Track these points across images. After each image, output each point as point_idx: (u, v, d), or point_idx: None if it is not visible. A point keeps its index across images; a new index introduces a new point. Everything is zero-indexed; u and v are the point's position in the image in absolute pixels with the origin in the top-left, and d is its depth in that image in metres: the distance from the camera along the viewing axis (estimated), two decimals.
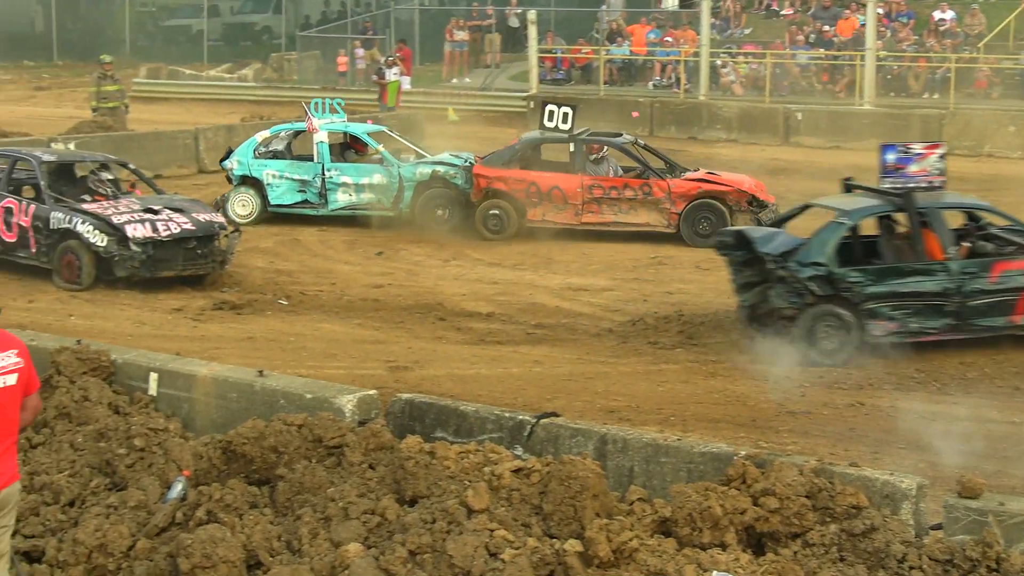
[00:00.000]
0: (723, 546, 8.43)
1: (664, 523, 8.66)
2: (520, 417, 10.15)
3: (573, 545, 8.24)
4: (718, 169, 23.58)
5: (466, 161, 22.92)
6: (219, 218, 18.91)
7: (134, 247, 17.64)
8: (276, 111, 36.69)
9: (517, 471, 9.04)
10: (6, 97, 44.66)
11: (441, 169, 22.84)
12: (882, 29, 36.59)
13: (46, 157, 19.39)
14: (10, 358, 7.63)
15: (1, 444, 7.65)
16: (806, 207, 16.37)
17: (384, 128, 24.90)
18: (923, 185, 15.54)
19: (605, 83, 38.47)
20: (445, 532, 8.40)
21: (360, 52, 43.35)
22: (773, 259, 14.68)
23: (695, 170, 22.79)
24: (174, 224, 18.05)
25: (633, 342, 15.41)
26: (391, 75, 37.43)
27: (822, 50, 37.72)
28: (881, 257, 15.24)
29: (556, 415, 10.27)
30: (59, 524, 9.49)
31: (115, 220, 17.83)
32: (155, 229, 17.85)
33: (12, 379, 7.64)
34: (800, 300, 14.56)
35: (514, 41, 44.04)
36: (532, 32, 38.42)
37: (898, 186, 15.49)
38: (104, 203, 18.45)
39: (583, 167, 22.24)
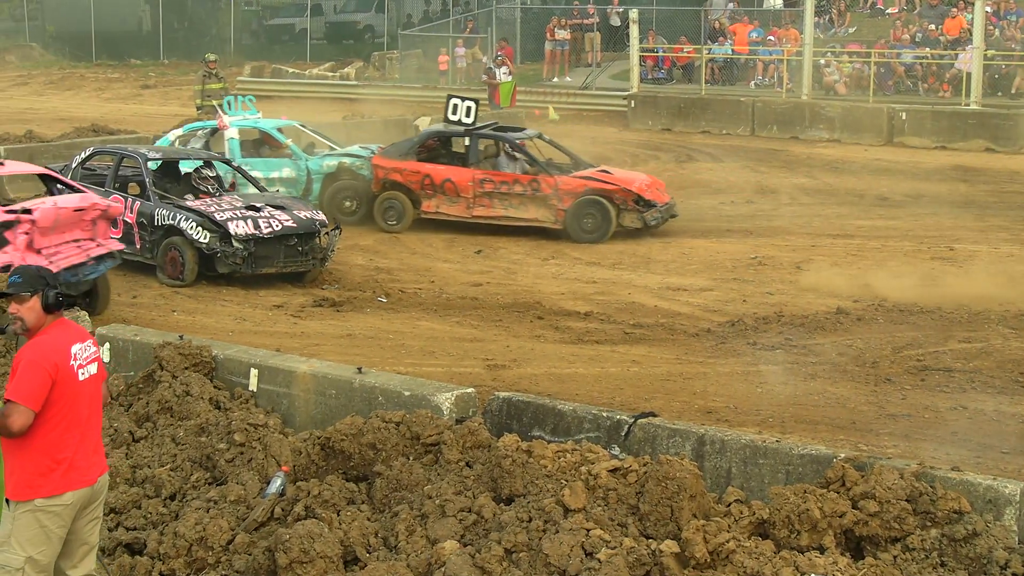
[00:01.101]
0: (821, 549, 8.35)
1: (761, 525, 8.60)
2: (618, 417, 10.12)
3: (669, 546, 8.21)
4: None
5: (372, 153, 23.05)
6: (320, 215, 19.05)
7: (236, 244, 17.84)
8: (377, 109, 36.97)
9: (614, 471, 9.02)
10: (113, 95, 45.43)
11: (348, 161, 23.10)
12: (990, 27, 36.06)
13: (151, 155, 19.66)
14: (90, 348, 7.73)
15: (94, 433, 7.75)
16: None
17: (296, 123, 24.90)
18: None
19: (707, 82, 38.30)
20: (541, 531, 8.40)
21: (461, 51, 43.50)
22: None
23: (598, 168, 22.82)
24: (275, 221, 18.22)
25: (732, 343, 15.31)
26: (501, 75, 37.53)
27: (927, 49, 37.27)
28: None
29: (654, 415, 10.23)
30: (160, 517, 9.62)
31: (218, 217, 18.04)
32: (257, 226, 18.04)
33: (94, 368, 7.74)
34: None
35: (615, 40, 43.98)
36: (633, 31, 38.34)
37: None
38: (207, 200, 18.67)
39: (478, 161, 22.37)
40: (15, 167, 17.30)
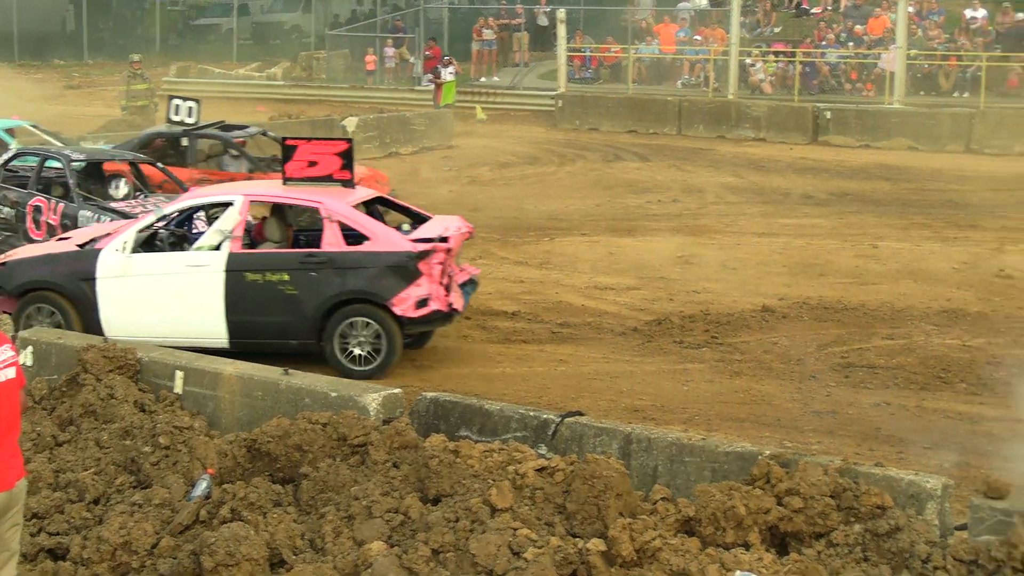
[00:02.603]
0: (746, 546, 8.40)
1: (688, 522, 8.64)
2: (545, 416, 10.14)
3: (596, 544, 8.23)
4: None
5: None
6: None
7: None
8: (305, 109, 36.86)
9: (541, 470, 9.04)
10: (37, 95, 44.88)
11: None
12: (913, 27, 36.43)
13: (75, 156, 19.45)
14: (7, 352, 7.60)
15: (9, 438, 7.62)
16: None
17: (27, 123, 24.69)
18: None
19: (634, 82, 38.44)
20: (468, 531, 8.40)
21: (390, 51, 43.43)
22: None
23: None
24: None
25: (658, 341, 15.37)
26: (446, 75, 37.61)
27: (851, 47, 37.62)
28: None
29: (581, 414, 10.26)
30: (84, 522, 9.52)
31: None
32: None
33: (12, 372, 7.61)
34: None
35: (543, 40, 44.05)
36: (561, 31, 38.42)
37: None
38: (132, 202, 18.49)
39: (195, 161, 22.30)
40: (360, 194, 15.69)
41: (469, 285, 14.79)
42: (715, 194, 26.40)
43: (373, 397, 10.36)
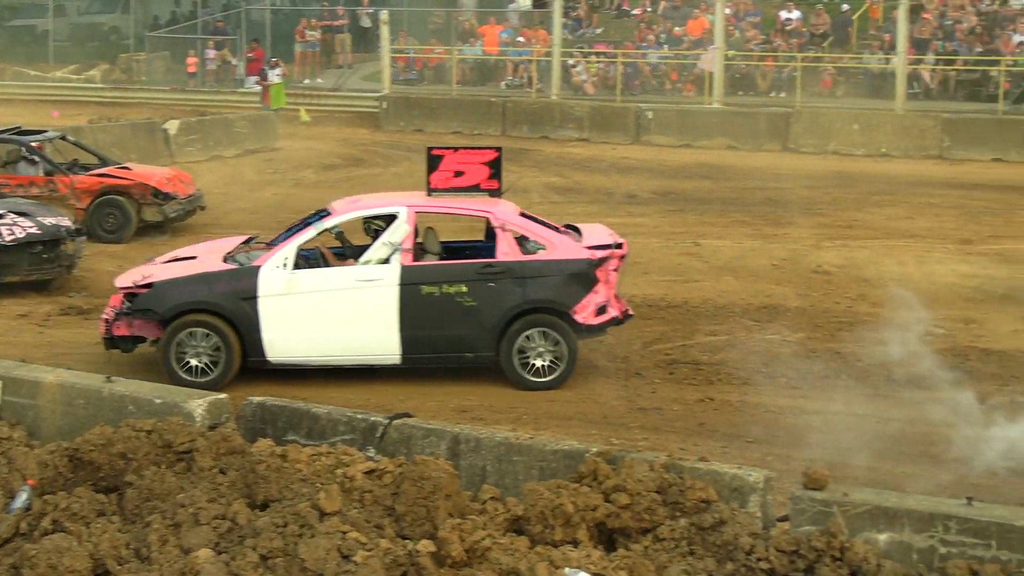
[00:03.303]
0: (575, 543, 8.48)
1: (517, 521, 8.70)
2: (372, 418, 10.14)
3: (426, 545, 8.24)
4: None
5: None
6: (66, 221, 18.53)
7: None
8: (125, 112, 36.22)
9: (369, 472, 9.03)
10: None
11: None
12: (731, 28, 37.06)
13: None
14: None
15: None
16: None
17: None
18: None
19: (458, 83, 38.50)
20: (297, 535, 8.35)
21: (211, 53, 42.91)
22: None
23: (119, 165, 22.94)
24: (19, 228, 17.66)
25: None
26: (273, 77, 37.28)
27: (667, 48, 38.17)
28: None
29: (409, 415, 10.27)
30: None
31: None
32: None
33: None
34: None
35: (366, 41, 43.87)
36: (384, 32, 38.32)
37: None
38: None
39: None
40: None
41: None
42: (540, 194, 26.54)
43: (198, 403, 10.25)
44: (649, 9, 41.17)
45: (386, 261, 13.61)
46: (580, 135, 34.26)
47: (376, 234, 14.05)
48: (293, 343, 13.53)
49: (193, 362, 13.41)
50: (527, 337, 13.52)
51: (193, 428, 9.79)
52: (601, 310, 13.70)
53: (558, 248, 13.82)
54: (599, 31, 41.56)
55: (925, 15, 35.85)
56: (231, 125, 32.65)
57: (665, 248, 20.60)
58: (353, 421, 10.11)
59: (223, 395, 10.62)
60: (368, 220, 14.37)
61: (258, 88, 38.60)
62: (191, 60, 42.85)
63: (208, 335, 13.44)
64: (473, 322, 13.46)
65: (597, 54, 38.74)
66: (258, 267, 13.64)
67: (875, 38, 36.81)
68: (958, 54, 34.62)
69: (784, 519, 8.64)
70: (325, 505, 8.59)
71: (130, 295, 13.70)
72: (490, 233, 14.38)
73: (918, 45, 34.59)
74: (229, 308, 13.46)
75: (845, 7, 37.87)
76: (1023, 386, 13.45)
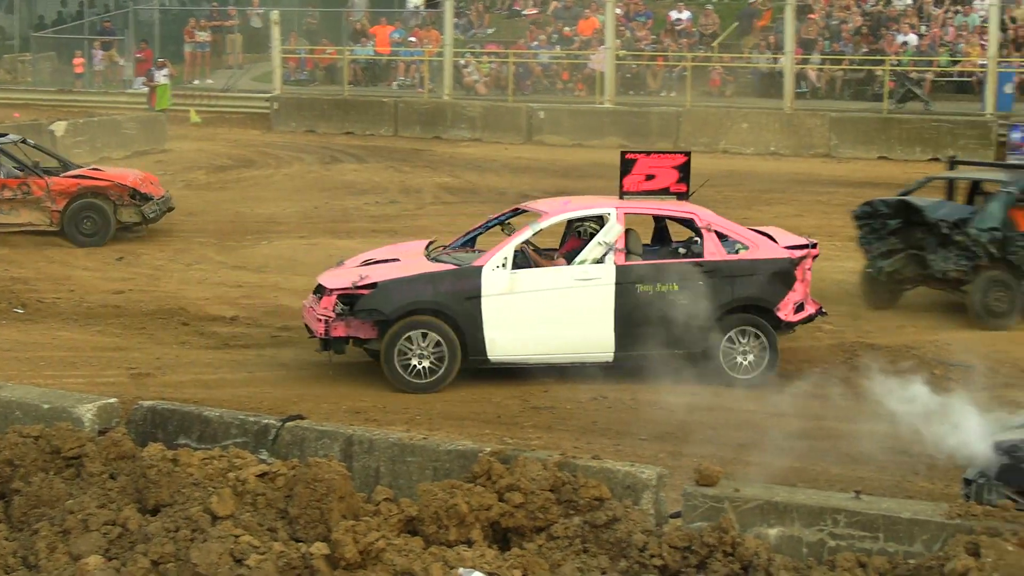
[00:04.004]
0: (469, 543, 8.49)
1: (411, 522, 8.69)
2: (265, 421, 10.08)
3: (320, 548, 8.20)
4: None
5: None
6: None
7: None
8: (9, 114, 35.65)
9: (262, 475, 8.97)
10: None
11: None
12: (621, 28, 37.28)
13: None
14: None
15: None
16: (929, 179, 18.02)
17: None
18: None
19: (350, 83, 38.36)
20: (189, 540, 8.28)
21: (99, 54, 42.37)
22: (950, 225, 15.88)
23: (89, 167, 22.86)
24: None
25: None
26: (160, 78, 36.90)
27: (558, 48, 38.32)
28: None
29: (302, 417, 10.23)
30: None
31: None
32: None
33: None
34: (970, 263, 15.85)
35: (257, 42, 43.55)
36: (275, 32, 38.06)
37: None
38: None
39: None
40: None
41: None
42: (433, 194, 26.58)
43: (87, 408, 10.12)
44: (540, 9, 41.29)
45: (600, 261, 13.90)
46: (473, 135, 34.30)
47: (579, 235, 14.72)
48: (514, 342, 13.76)
49: (416, 363, 13.53)
50: (731, 336, 13.90)
51: (82, 433, 9.65)
52: (799, 307, 14.22)
53: (760, 248, 14.27)
54: (491, 31, 41.63)
55: (811, 15, 36.32)
56: (120, 126, 32.29)
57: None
58: (245, 424, 10.04)
59: (113, 399, 10.49)
60: (577, 221, 14.83)
61: (146, 89, 38.19)
62: (78, 61, 42.30)
63: (427, 334, 13.61)
64: (683, 319, 13.75)
65: (489, 54, 38.79)
66: (480, 267, 13.82)
67: (764, 35, 37.20)
68: (844, 54, 35.11)
69: (677, 515, 8.71)
70: (217, 509, 8.52)
71: (345, 296, 13.71)
72: (662, 233, 15.16)
73: (805, 45, 35.02)
74: (454, 308, 13.66)
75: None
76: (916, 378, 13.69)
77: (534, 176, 28.47)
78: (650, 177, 14.49)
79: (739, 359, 13.90)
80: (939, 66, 33.77)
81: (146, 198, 21.48)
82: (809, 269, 14.38)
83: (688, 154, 14.86)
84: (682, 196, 14.56)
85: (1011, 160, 18.23)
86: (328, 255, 20.55)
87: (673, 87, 36.09)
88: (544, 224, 14.23)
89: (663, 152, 15.31)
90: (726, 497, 8.47)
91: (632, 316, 13.80)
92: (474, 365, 13.71)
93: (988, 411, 10.01)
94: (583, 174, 28.59)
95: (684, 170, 14.51)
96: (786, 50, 33.32)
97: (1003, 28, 32.96)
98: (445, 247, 15.01)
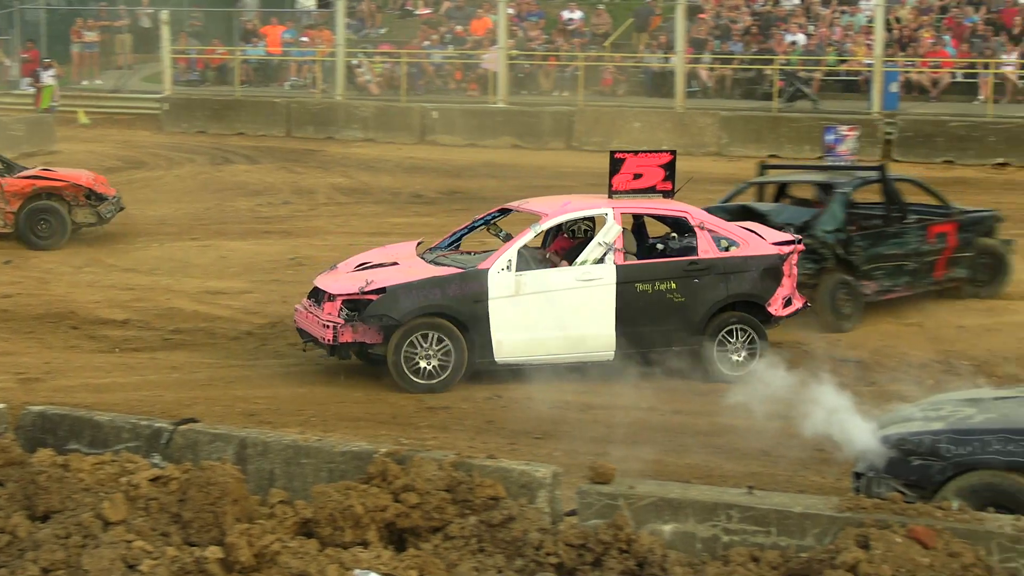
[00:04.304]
0: (365, 544, 8.46)
1: (306, 524, 8.64)
2: (157, 424, 9.98)
3: (214, 552, 8.14)
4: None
5: None
6: None
7: None
8: None
9: (155, 479, 8.88)
10: None
11: None
12: (514, 28, 37.37)
13: None
14: None
15: None
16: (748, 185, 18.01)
17: None
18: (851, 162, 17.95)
19: (242, 83, 38.09)
20: (80, 546, 8.18)
21: None
22: (796, 228, 15.79)
23: (39, 167, 22.54)
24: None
25: (273, 344, 15.35)
26: (47, 78, 36.42)
27: (451, 48, 38.34)
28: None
29: (195, 421, 10.14)
30: None
31: None
32: None
33: None
34: (816, 266, 15.87)
35: (147, 42, 43.08)
36: (165, 32, 37.69)
37: (836, 164, 17.81)
38: None
39: None
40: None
41: None
42: (326, 195, 26.49)
43: None
44: (433, 9, 41.28)
45: (600, 261, 14.03)
46: (366, 135, 34.19)
47: (571, 235, 15.05)
48: (520, 343, 13.83)
49: (424, 364, 13.52)
50: (724, 333, 14.15)
51: None
52: (787, 302, 14.54)
53: (750, 244, 14.54)
54: (383, 31, 41.56)
55: (702, 15, 36.64)
56: (6, 128, 31.77)
57: None
58: (137, 428, 9.93)
59: (1, 405, 10.34)
60: (574, 222, 15.02)
61: (32, 90, 37.67)
62: None
63: (431, 336, 13.60)
64: (680, 316, 14.07)
65: (381, 54, 38.70)
66: (485, 269, 13.85)
67: (655, 35, 37.46)
68: (734, 54, 35.47)
69: (572, 513, 8.74)
70: (109, 514, 8.43)
71: (351, 302, 13.61)
72: (639, 230, 15.25)
73: (696, 44, 35.33)
74: (462, 311, 13.73)
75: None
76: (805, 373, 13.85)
77: (427, 176, 28.47)
78: (637, 176, 14.68)
79: (732, 355, 14.17)
80: (827, 65, 34.24)
81: (101, 198, 21.14)
82: (795, 264, 14.70)
83: (674, 152, 15.10)
84: (667, 194, 14.78)
85: (828, 161, 18.18)
86: (220, 256, 20.48)
87: (566, 87, 36.19)
88: (545, 225, 14.52)
89: (650, 151, 15.48)
90: (621, 494, 8.52)
91: (632, 315, 14.04)
92: (481, 367, 13.81)
93: (877, 405, 10.18)
94: (475, 174, 28.67)
95: (670, 168, 14.74)
96: (677, 50, 33.56)
97: (888, 28, 33.51)
98: (431, 248, 15.11)
